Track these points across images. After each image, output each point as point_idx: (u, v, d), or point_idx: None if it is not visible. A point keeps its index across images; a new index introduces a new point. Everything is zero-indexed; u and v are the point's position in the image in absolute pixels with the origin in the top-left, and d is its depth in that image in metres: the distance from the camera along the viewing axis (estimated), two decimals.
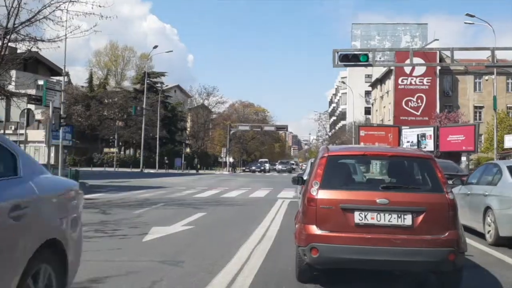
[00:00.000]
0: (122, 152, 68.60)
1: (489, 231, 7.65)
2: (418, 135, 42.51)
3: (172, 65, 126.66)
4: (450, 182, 5.84)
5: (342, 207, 4.39)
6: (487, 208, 7.75)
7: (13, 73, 62.17)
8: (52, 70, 72.27)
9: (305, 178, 6.35)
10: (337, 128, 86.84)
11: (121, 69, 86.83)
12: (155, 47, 48.81)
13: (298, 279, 4.86)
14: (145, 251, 6.46)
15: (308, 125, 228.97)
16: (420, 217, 4.33)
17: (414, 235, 4.31)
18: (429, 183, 4.66)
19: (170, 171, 51.27)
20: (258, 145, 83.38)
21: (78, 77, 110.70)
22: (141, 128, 59.95)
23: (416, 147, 43.34)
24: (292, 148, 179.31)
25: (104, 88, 63.75)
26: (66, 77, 63.88)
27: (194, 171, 51.81)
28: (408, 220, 4.32)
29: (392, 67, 50.31)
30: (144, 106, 47.67)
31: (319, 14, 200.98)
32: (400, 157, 5.23)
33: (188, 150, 71.64)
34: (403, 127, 44.49)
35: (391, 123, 48.65)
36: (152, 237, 7.49)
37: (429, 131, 41.96)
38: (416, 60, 51.13)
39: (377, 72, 64.49)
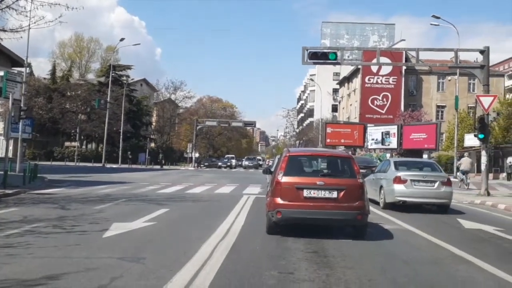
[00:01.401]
0: (84, 147, 66.84)
1: (381, 200, 12.84)
2: (382, 132, 43.40)
3: (139, 58, 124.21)
4: (364, 171, 11.18)
5: (296, 186, 7.42)
6: (381, 186, 12.97)
7: None
8: (13, 60, 69.17)
9: (272, 170, 9.73)
10: (304, 124, 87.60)
11: (86, 61, 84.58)
12: (122, 39, 47.67)
13: (267, 232, 7.63)
14: (105, 248, 6.24)
15: (276, 122, 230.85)
16: (342, 193, 7.37)
17: (338, 203, 7.33)
18: (348, 172, 7.71)
19: (134, 166, 50.33)
20: (225, 140, 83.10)
21: (41, 68, 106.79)
22: (105, 122, 58.58)
23: (380, 144, 44.43)
24: (259, 144, 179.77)
25: (67, 80, 61.84)
26: (28, 68, 61.67)
27: (158, 167, 51.04)
28: (335, 194, 7.38)
29: (360, 66, 51.17)
30: (108, 99, 46.41)
31: (290, 11, 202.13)
32: (333, 156, 8.74)
33: (153, 145, 70.57)
34: (368, 125, 45.36)
35: (357, 120, 49.49)
36: (112, 233, 7.26)
37: (393, 129, 42.90)
38: (383, 59, 52.07)
39: (345, 70, 65.40)
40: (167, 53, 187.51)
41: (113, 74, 62.68)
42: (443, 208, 12.29)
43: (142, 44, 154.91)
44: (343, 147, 48.77)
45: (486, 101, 16.56)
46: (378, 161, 48.16)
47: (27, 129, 56.31)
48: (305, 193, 7.34)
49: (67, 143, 67.16)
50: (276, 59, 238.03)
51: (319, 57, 17.21)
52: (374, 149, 45.50)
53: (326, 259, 5.95)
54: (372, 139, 44.41)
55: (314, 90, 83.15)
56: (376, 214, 10.84)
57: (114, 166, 48.57)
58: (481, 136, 16.43)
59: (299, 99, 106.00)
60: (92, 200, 12.45)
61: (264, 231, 7.75)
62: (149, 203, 11.74)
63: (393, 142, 42.68)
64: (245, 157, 67.28)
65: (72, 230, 7.47)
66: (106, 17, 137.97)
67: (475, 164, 31.07)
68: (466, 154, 26.52)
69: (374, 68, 50.05)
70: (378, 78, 50.20)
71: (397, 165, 13.29)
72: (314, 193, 7.35)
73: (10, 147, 63.21)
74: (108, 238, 6.92)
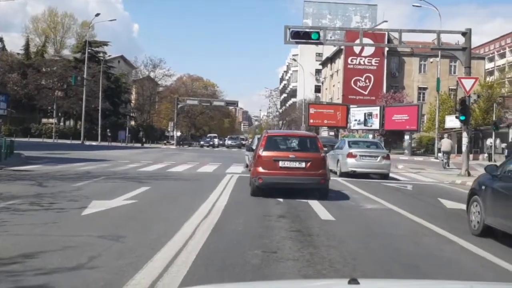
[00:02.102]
0: (62, 124, 65.53)
1: (338, 170, 16.20)
2: (365, 113, 43.64)
3: (116, 34, 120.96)
4: (326, 148, 13.43)
5: (273, 159, 9.56)
6: (338, 160, 16.44)
7: None
8: None
9: (253, 147, 12.81)
10: (287, 105, 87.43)
11: (61, 37, 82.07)
12: (97, 15, 46.27)
13: (251, 194, 9.65)
14: (84, 226, 6.06)
15: (259, 101, 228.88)
16: (309, 163, 9.46)
17: (306, 171, 9.46)
18: (314, 148, 9.89)
19: (114, 144, 49.59)
20: (207, 120, 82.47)
21: (15, 44, 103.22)
22: (82, 98, 57.38)
23: (363, 125, 44.68)
24: (242, 124, 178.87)
25: (41, 56, 60.08)
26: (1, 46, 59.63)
27: (139, 145, 50.45)
28: (303, 164, 9.47)
29: (343, 47, 50.98)
30: (85, 76, 45.27)
31: None
32: (302, 136, 11.22)
33: (133, 123, 69.60)
34: (351, 106, 45.51)
35: (340, 101, 49.56)
36: (91, 211, 7.06)
37: (375, 110, 43.15)
38: (366, 40, 51.84)
39: (328, 50, 65.09)
40: (144, 30, 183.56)
41: (89, 50, 61.15)
42: (383, 176, 15.82)
43: (118, 20, 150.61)
44: (326, 127, 49.05)
45: (467, 83, 16.64)
46: None
47: (1, 105, 54.96)
48: (281, 163, 9.61)
49: (44, 120, 65.76)
50: (258, 38, 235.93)
51: (301, 36, 16.95)
52: (357, 130, 45.71)
53: (310, 237, 5.89)
54: (355, 120, 44.63)
55: (296, 71, 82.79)
56: (335, 181, 12.99)
57: (94, 143, 47.73)
58: (462, 118, 16.57)
59: (281, 79, 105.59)
60: (70, 177, 12.14)
61: (248, 211, 7.68)
62: (129, 181, 11.51)
63: (375, 123, 42.99)
64: (228, 136, 66.98)
65: (49, 208, 7.24)
66: None
67: (456, 146, 31.53)
68: (446, 135, 26.87)
69: (356, 49, 49.92)
70: (360, 59, 50.14)
71: (350, 144, 16.97)
72: (287, 164, 9.59)
73: None
74: (87, 216, 6.73)
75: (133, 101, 74.61)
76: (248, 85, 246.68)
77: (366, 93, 49.53)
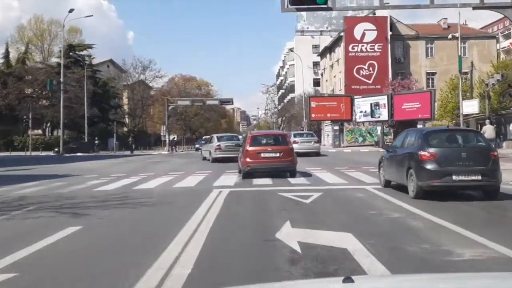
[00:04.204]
0: (50, 134, 61.66)
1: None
2: (371, 104, 39.75)
3: (111, 43, 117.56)
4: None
5: (257, 152, 13.66)
6: None
7: None
8: None
9: (240, 144, 17.93)
10: (285, 101, 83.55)
11: (48, 45, 78.07)
12: (71, 10, 42.34)
13: (243, 177, 13.40)
14: None
15: (256, 101, 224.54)
16: (282, 153, 13.78)
17: (280, 159, 13.71)
18: (284, 142, 14.44)
19: (103, 152, 45.67)
20: (203, 121, 78.51)
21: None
22: (67, 106, 53.47)
23: (369, 116, 40.80)
24: (241, 124, 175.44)
25: (23, 64, 56.07)
26: None
27: (129, 152, 46.56)
28: (278, 154, 13.77)
29: (342, 34, 47.16)
30: (61, 79, 41.30)
31: None
32: (276, 135, 16.78)
33: (125, 129, 65.73)
34: (355, 97, 41.64)
35: (342, 93, 45.75)
36: None
37: (383, 99, 39.27)
38: (366, 25, 48.69)
39: (325, 42, 61.32)
40: (139, 35, 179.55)
41: (72, 53, 57.34)
42: (316, 154, 25.77)
43: (113, 29, 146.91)
44: (330, 122, 45.17)
45: None
46: (368, 134, 44.86)
47: None
48: (262, 155, 13.55)
49: (34, 132, 61.95)
50: (252, 38, 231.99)
51: (303, 1, 13.04)
52: (363, 122, 41.86)
53: None
54: (361, 112, 40.71)
55: (293, 65, 78.90)
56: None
57: (79, 153, 43.93)
58: None
59: (278, 75, 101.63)
60: None
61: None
62: (61, 215, 7.66)
63: (383, 114, 39.10)
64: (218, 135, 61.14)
65: None
66: (73, 1, 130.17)
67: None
68: (487, 121, 22.93)
69: (357, 35, 46.13)
70: (362, 45, 46.22)
71: (294, 136, 26.57)
72: (267, 155, 13.59)
73: None
74: None
75: (124, 106, 70.74)
76: (244, 86, 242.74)
77: (370, 82, 45.64)
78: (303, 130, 45.72)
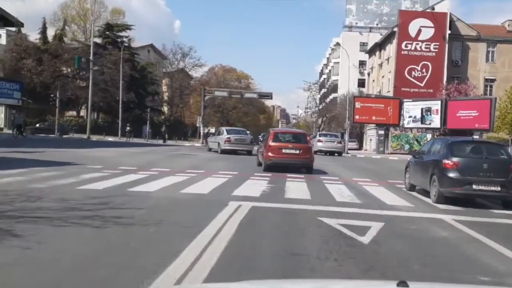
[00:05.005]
0: (90, 117, 60.96)
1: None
2: (422, 109, 35.92)
3: (158, 31, 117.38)
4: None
5: (278, 147, 14.92)
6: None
7: None
8: (5, 19, 63.22)
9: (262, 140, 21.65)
10: (327, 101, 79.87)
11: (90, 25, 77.81)
12: None
13: (263, 170, 14.77)
14: None
15: (297, 99, 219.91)
16: (301, 150, 15.08)
17: (299, 155, 15.01)
18: (304, 141, 15.76)
19: (136, 140, 43.98)
20: (241, 115, 76.02)
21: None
22: (103, 89, 52.23)
23: (419, 122, 36.97)
24: (280, 122, 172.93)
25: (59, 41, 55.05)
26: (17, 28, 55.15)
27: (161, 141, 44.72)
28: (297, 151, 15.04)
29: (395, 29, 43.29)
30: (91, 58, 39.56)
31: None
32: (296, 133, 18.61)
33: (162, 117, 64.16)
34: (405, 100, 37.90)
35: (390, 95, 41.99)
36: None
37: (436, 105, 35.38)
38: (423, 22, 44.55)
39: (374, 39, 57.46)
40: (185, 25, 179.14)
41: (109, 33, 55.96)
42: (338, 153, 30.18)
43: (160, 17, 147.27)
44: (374, 125, 41.62)
45: None
46: (416, 142, 40.94)
47: (15, 94, 50.61)
48: (283, 150, 14.81)
49: (68, 113, 61.39)
50: (296, 35, 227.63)
51: None
52: (411, 129, 38.09)
53: None
54: (410, 117, 36.99)
55: (338, 63, 75.13)
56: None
57: (111, 139, 42.42)
58: None
59: (321, 73, 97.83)
60: None
61: None
62: (18, 223, 5.11)
63: (435, 120, 35.24)
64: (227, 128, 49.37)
65: None
66: None
67: None
68: None
69: (412, 32, 42.08)
70: (417, 44, 42.13)
71: (320, 135, 32.46)
72: (287, 151, 14.83)
73: (2, 115, 57.51)
74: None
75: (164, 93, 69.23)
76: (285, 83, 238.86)
77: (422, 84, 41.63)
78: (344, 132, 42.61)
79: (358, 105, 38.17)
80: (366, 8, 77.92)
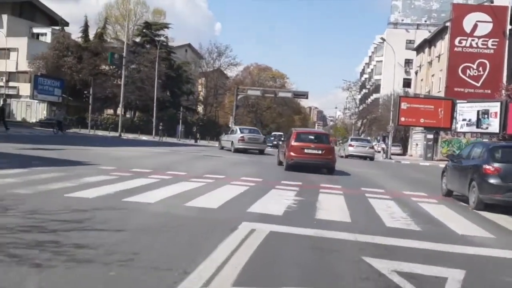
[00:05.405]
0: (122, 114, 60.77)
1: (344, 153, 30.82)
2: (478, 111, 32.54)
3: (199, 33, 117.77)
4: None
5: (300, 147, 15.19)
6: (344, 148, 32.70)
7: (4, 17, 53.35)
8: (51, 18, 64.12)
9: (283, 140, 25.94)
10: (368, 102, 76.44)
11: (133, 25, 78.06)
12: None
13: (285, 169, 15.10)
14: None
15: (335, 101, 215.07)
16: (323, 151, 15.34)
17: (322, 156, 15.22)
18: (326, 141, 16.43)
19: (169, 139, 42.98)
20: (275, 116, 73.98)
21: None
22: (140, 87, 51.71)
23: (474, 127, 33.64)
24: (316, 124, 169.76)
25: (99, 39, 55.01)
26: (60, 26, 55.47)
27: (193, 141, 43.49)
28: (320, 151, 15.26)
29: (448, 24, 39.96)
30: (124, 54, 38.64)
31: None
32: (318, 133, 19.49)
33: (196, 117, 63.22)
34: (458, 101, 34.68)
35: (441, 95, 38.76)
36: None
37: (494, 107, 31.94)
38: (481, 16, 40.98)
39: (421, 37, 54.03)
40: (225, 27, 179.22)
41: (147, 31, 55.35)
42: (370, 158, 29.60)
43: (202, 19, 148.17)
44: (422, 128, 38.51)
45: None
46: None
47: (56, 91, 50.67)
48: (305, 150, 15.04)
49: (110, 111, 61.56)
50: (336, 36, 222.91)
51: None
52: (465, 133, 34.77)
53: None
54: (464, 120, 33.70)
55: (381, 61, 71.69)
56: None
57: (145, 138, 41.60)
58: None
59: (361, 74, 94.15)
60: None
61: None
62: None
63: (493, 125, 31.80)
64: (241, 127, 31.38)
65: None
66: None
67: None
68: None
69: (467, 27, 38.52)
70: (472, 40, 38.57)
71: (351, 140, 33.06)
72: (309, 151, 15.07)
73: (44, 111, 57.95)
74: None
75: (199, 92, 68.33)
76: (323, 84, 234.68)
77: (478, 84, 38.09)
78: (386, 136, 40.08)
79: (404, 106, 35.30)
80: (413, 4, 74.26)
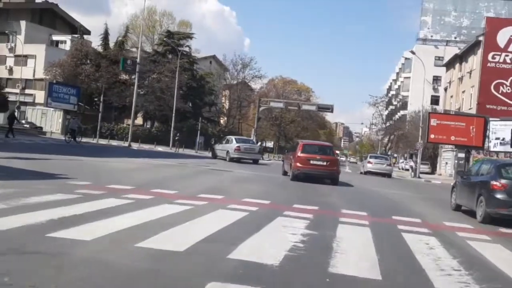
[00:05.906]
0: (145, 125, 59.97)
1: (363, 170, 32.64)
2: None
3: (228, 48, 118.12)
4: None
5: (306, 158, 16.23)
6: (363, 165, 34.46)
7: (22, 24, 52.88)
8: (72, 27, 64.11)
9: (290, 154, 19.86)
10: (395, 118, 73.64)
11: (158, 36, 77.88)
12: None
13: (291, 179, 16.25)
14: None
15: (361, 117, 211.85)
16: (328, 162, 16.37)
17: (326, 167, 16.32)
18: (332, 153, 17.42)
19: (187, 150, 41.48)
20: (300, 130, 72.04)
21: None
22: (159, 97, 50.63)
23: (509, 146, 31.12)
24: (342, 140, 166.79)
25: (119, 47, 54.31)
26: (79, 35, 54.95)
27: (211, 154, 41.74)
28: (325, 163, 16.32)
29: (481, 38, 37.44)
30: (138, 60, 37.40)
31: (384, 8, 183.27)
32: (324, 145, 19.12)
33: (217, 129, 61.86)
34: (491, 119, 32.18)
35: (472, 112, 36.13)
36: None
37: None
38: None
39: (450, 54, 51.44)
40: (254, 43, 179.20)
41: (169, 40, 54.37)
42: (388, 175, 29.30)
43: (231, 35, 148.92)
44: (453, 146, 35.88)
45: None
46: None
47: (72, 99, 49.82)
48: (311, 161, 15.89)
49: (126, 121, 60.70)
50: (363, 52, 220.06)
51: None
52: (497, 152, 32.06)
53: None
54: (497, 138, 31.16)
55: (409, 77, 69.14)
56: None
57: (160, 148, 40.20)
58: None
59: (388, 90, 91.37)
60: None
61: None
62: None
63: None
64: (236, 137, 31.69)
65: None
66: (198, 6, 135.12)
67: None
68: None
69: (501, 42, 36.11)
70: (506, 55, 36.10)
71: (370, 157, 33.31)
72: (315, 162, 15.91)
73: (60, 120, 57.28)
74: None
75: (223, 104, 67.07)
76: (350, 100, 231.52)
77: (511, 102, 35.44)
78: (415, 153, 37.60)
79: (433, 122, 32.83)
80: (443, 20, 71.54)
